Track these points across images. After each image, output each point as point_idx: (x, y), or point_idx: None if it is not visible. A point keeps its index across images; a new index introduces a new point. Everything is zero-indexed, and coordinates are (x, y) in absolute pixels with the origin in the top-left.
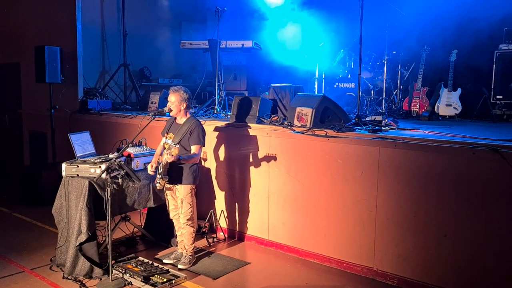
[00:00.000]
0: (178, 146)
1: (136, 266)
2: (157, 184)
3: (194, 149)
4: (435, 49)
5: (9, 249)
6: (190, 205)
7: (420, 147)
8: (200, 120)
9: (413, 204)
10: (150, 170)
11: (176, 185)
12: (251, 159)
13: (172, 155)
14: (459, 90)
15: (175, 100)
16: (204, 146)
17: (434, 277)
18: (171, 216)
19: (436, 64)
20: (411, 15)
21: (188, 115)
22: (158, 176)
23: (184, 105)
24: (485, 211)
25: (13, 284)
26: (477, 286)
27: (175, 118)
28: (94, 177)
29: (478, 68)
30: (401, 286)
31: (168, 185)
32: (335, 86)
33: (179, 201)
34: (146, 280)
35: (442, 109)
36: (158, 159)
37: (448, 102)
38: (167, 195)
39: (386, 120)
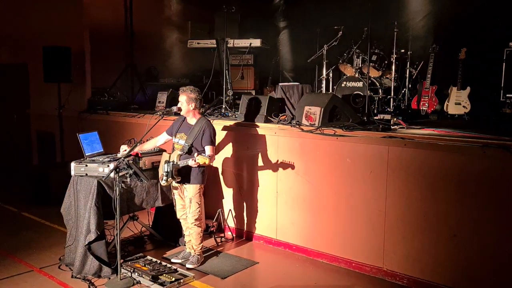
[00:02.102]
0: (189, 146)
1: (145, 265)
2: (163, 181)
3: (209, 150)
4: (444, 47)
5: (18, 248)
6: (199, 204)
7: (429, 146)
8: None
9: (423, 204)
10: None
11: (184, 185)
12: (259, 159)
13: (197, 162)
14: (468, 89)
15: (183, 100)
16: (215, 146)
17: (444, 277)
18: (178, 216)
19: (445, 63)
20: (419, 13)
21: (199, 116)
22: (164, 174)
23: (193, 105)
24: (496, 210)
25: (22, 283)
26: (487, 287)
27: (185, 118)
28: (103, 176)
29: (487, 66)
30: (411, 286)
31: (175, 184)
32: (342, 85)
33: (187, 201)
34: (154, 279)
35: (451, 107)
36: (169, 157)
37: (457, 101)
38: (174, 195)
39: (395, 119)
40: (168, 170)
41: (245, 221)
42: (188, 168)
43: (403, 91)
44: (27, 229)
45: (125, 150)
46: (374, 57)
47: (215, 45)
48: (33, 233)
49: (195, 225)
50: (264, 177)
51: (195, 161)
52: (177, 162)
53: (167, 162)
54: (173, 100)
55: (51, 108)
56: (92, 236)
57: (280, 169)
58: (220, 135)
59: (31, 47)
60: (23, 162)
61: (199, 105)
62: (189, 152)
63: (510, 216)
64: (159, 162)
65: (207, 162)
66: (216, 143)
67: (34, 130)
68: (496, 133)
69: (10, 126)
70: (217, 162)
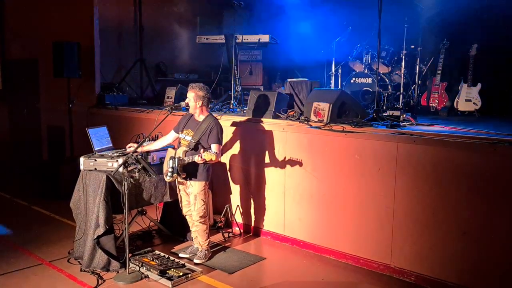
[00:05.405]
0: (196, 142)
1: (153, 260)
2: (168, 177)
3: (215, 148)
4: (455, 44)
5: (28, 241)
6: (204, 201)
7: (439, 143)
8: (216, 115)
9: (432, 201)
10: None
11: (189, 181)
12: (267, 154)
13: (203, 158)
14: (479, 85)
15: (191, 97)
16: (221, 145)
17: (453, 275)
18: (184, 212)
19: (456, 59)
20: (430, 9)
21: (207, 113)
22: (170, 170)
23: (200, 103)
24: (506, 208)
25: (32, 275)
26: (496, 286)
27: (192, 115)
28: (112, 171)
29: (498, 63)
30: (419, 283)
31: (181, 180)
32: (351, 81)
33: (192, 198)
34: (162, 273)
35: (462, 104)
36: (174, 153)
37: (468, 98)
38: (179, 191)
39: (404, 116)
40: (174, 165)
41: (253, 217)
42: (193, 165)
43: (412, 88)
44: (37, 223)
45: (130, 147)
46: (383, 53)
47: (224, 41)
48: (42, 227)
49: (200, 222)
50: (272, 173)
51: (201, 157)
52: (183, 158)
53: (173, 157)
54: (181, 96)
55: (61, 103)
56: (100, 230)
57: (288, 165)
58: (228, 131)
59: (41, 42)
60: (33, 157)
61: (206, 103)
62: (195, 148)
63: None
64: None
65: (213, 159)
66: (224, 139)
67: (44, 124)
68: (507, 130)
69: (20, 121)
70: (225, 158)
